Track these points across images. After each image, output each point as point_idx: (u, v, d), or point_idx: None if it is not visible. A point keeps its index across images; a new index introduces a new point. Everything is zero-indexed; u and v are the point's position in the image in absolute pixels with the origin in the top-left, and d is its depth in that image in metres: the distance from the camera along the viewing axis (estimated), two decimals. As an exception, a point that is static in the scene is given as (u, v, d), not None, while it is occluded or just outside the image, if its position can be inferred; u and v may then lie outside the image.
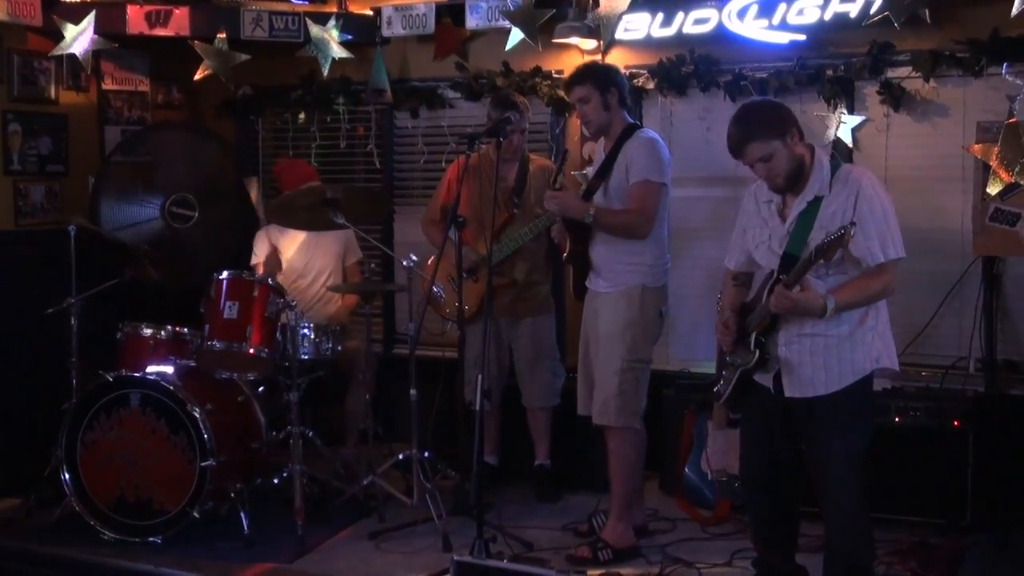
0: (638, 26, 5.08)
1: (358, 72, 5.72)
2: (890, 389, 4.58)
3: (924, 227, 4.67)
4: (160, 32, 5.33)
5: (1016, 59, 4.47)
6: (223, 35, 5.34)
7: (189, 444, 4.29)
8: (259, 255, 5.23)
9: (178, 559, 4.19)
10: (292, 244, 5.24)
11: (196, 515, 4.28)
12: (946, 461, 4.34)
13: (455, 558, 3.49)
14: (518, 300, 4.95)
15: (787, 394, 3.43)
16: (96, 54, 5.43)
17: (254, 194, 5.90)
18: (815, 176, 3.39)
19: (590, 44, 5.19)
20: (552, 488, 4.99)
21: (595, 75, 4.19)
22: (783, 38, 4.80)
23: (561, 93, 5.09)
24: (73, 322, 4.71)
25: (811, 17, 4.72)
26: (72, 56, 5.27)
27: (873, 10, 4.55)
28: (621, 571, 4.04)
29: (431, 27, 5.44)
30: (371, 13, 5.56)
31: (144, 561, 4.19)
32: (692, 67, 5.08)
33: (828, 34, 4.79)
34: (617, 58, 5.17)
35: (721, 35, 4.90)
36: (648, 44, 5.14)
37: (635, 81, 5.11)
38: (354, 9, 5.59)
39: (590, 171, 4.51)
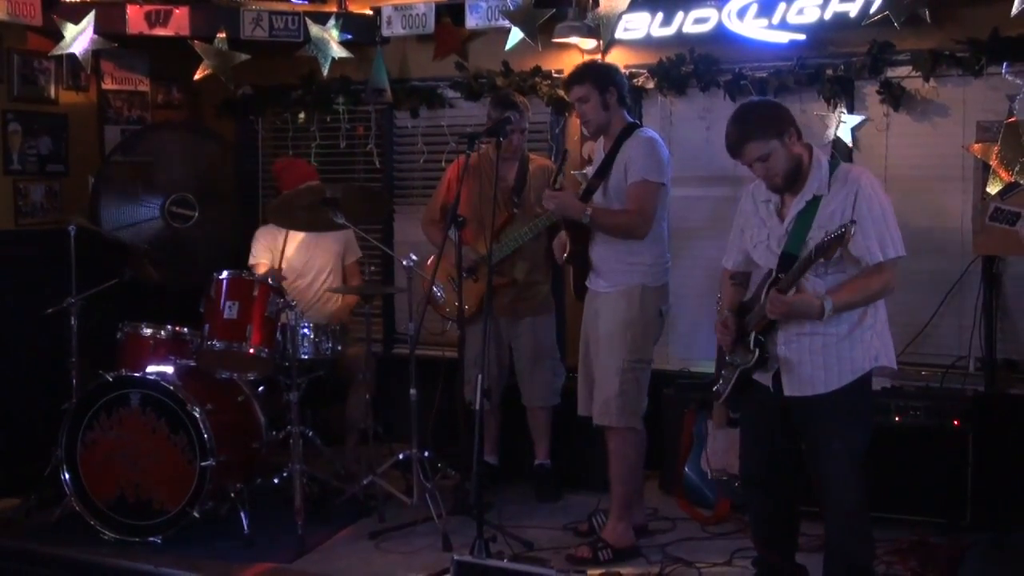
0: (638, 25, 5.08)
1: (358, 72, 5.72)
2: (890, 388, 4.59)
3: (924, 226, 4.67)
4: (160, 32, 5.33)
5: (1016, 59, 4.47)
6: (223, 35, 5.34)
7: (189, 444, 4.29)
8: (256, 256, 5.23)
9: (178, 559, 4.19)
10: (291, 244, 5.23)
11: (196, 515, 4.28)
12: (946, 460, 4.34)
13: (455, 558, 3.49)
14: (518, 300, 4.95)
15: (786, 393, 3.43)
16: (96, 54, 5.43)
17: None
18: (813, 175, 3.39)
19: (590, 44, 5.19)
20: (552, 488, 4.99)
21: (594, 74, 4.19)
22: (783, 37, 4.80)
23: (561, 93, 5.09)
24: (73, 322, 4.71)
25: (811, 16, 4.72)
26: (72, 56, 5.27)
27: (873, 9, 4.55)
28: (621, 571, 4.04)
29: (431, 27, 5.44)
30: (371, 13, 5.56)
31: (144, 561, 4.19)
32: (692, 67, 5.08)
33: (828, 33, 4.79)
34: (617, 58, 5.17)
35: (721, 34, 4.90)
36: (648, 44, 5.14)
37: (635, 81, 5.11)
38: (354, 9, 5.59)
39: (590, 171, 4.51)
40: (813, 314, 3.29)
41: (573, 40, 5.14)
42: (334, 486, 4.85)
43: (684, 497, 4.76)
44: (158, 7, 5.30)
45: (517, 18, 5.14)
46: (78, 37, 5.21)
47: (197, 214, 5.51)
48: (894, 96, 4.74)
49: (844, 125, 4.83)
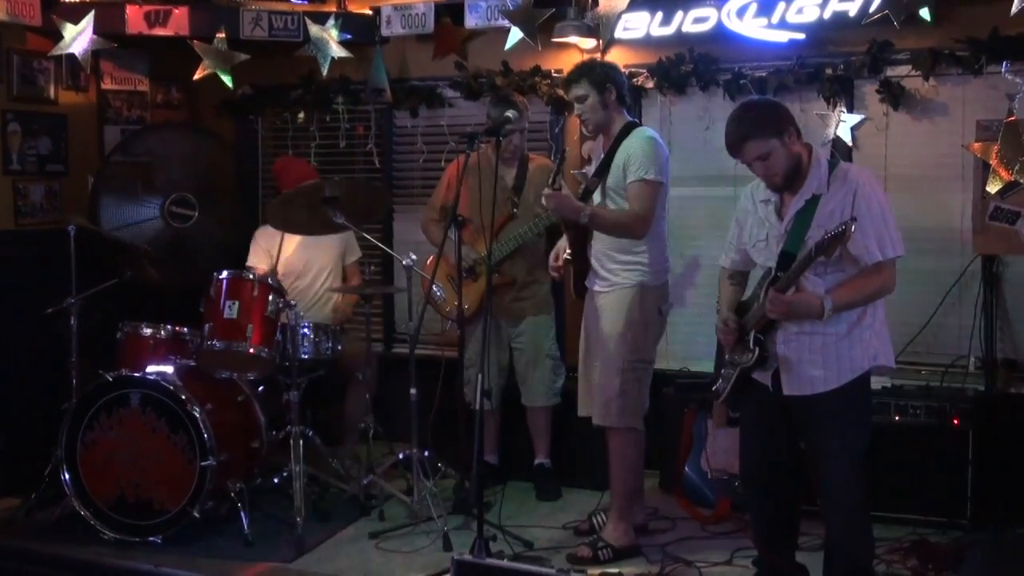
0: (637, 25, 5.08)
1: (357, 71, 5.72)
2: (890, 388, 4.59)
3: (924, 226, 4.68)
4: (159, 32, 5.33)
5: (1016, 57, 4.47)
6: (222, 35, 5.34)
7: (189, 444, 4.29)
8: (253, 260, 5.23)
9: (178, 558, 4.19)
10: (290, 244, 5.23)
11: (196, 514, 4.28)
12: (946, 459, 4.35)
13: (455, 557, 3.49)
14: (518, 299, 4.95)
15: (785, 392, 3.43)
16: (95, 54, 5.43)
17: None
18: (813, 175, 3.39)
19: (589, 43, 5.19)
20: (552, 487, 4.99)
21: (592, 73, 4.18)
22: (782, 37, 4.80)
23: (560, 92, 5.08)
24: (73, 322, 4.71)
25: (810, 16, 4.72)
26: (71, 56, 5.27)
27: (872, 9, 4.55)
28: (622, 570, 4.04)
29: (430, 26, 5.44)
30: (370, 12, 5.56)
31: (144, 560, 4.18)
32: (691, 66, 5.08)
33: (827, 33, 4.79)
34: (616, 57, 5.17)
35: (720, 34, 4.90)
36: (647, 43, 5.14)
37: (634, 80, 5.11)
38: (353, 8, 5.59)
39: (589, 170, 4.50)
40: (813, 313, 3.30)
41: (573, 40, 5.15)
42: (334, 486, 4.86)
43: (684, 496, 4.76)
44: (157, 7, 5.30)
45: (516, 18, 5.14)
46: (77, 37, 5.21)
47: (197, 214, 5.51)
48: (894, 95, 4.74)
49: (844, 124, 4.83)
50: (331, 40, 5.43)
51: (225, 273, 4.58)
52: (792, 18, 4.75)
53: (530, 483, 5.03)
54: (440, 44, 5.56)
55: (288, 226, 4.93)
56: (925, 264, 4.62)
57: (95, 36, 5.24)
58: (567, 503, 4.90)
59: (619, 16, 5.06)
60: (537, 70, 5.40)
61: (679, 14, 4.97)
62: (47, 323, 4.78)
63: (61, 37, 5.19)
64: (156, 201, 5.50)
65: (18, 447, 4.97)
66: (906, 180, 4.76)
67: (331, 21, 5.43)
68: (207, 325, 4.49)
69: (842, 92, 4.83)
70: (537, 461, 5.05)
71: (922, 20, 4.52)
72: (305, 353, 4.71)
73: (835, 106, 4.85)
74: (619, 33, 5.11)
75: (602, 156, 4.25)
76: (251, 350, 4.48)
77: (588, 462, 4.98)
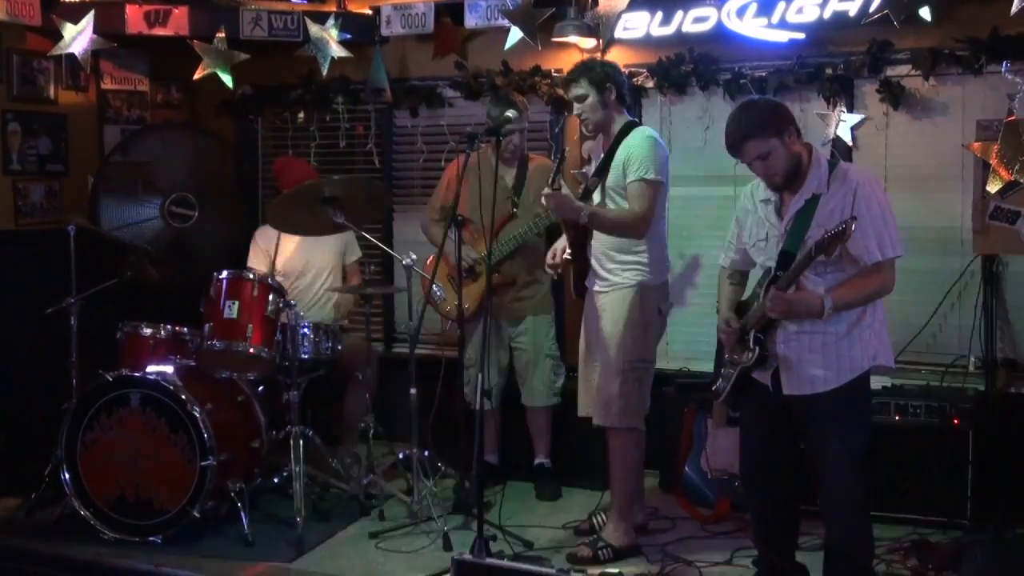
0: (637, 25, 5.08)
1: (357, 71, 5.72)
2: (890, 387, 4.59)
3: (924, 225, 4.68)
4: (159, 32, 5.33)
5: (1016, 57, 4.47)
6: (222, 35, 5.34)
7: (189, 443, 4.29)
8: (252, 261, 5.23)
9: (178, 558, 4.19)
10: (291, 243, 5.23)
11: (196, 514, 4.28)
12: (946, 459, 4.35)
13: (455, 557, 3.50)
14: (518, 299, 4.95)
15: (785, 392, 3.43)
16: (95, 54, 5.43)
17: None
18: (813, 174, 3.39)
19: (589, 43, 5.18)
20: (552, 487, 4.99)
21: (592, 73, 4.17)
22: (782, 37, 4.80)
23: (560, 92, 5.08)
24: (73, 322, 4.71)
25: (810, 15, 4.72)
26: (71, 56, 5.26)
27: (872, 8, 4.55)
28: (622, 570, 4.04)
29: (430, 26, 5.44)
30: (370, 12, 5.56)
31: (144, 560, 4.19)
32: (691, 66, 5.08)
33: (827, 32, 4.79)
34: (616, 57, 5.17)
35: (720, 34, 4.90)
36: (647, 43, 5.14)
37: (634, 80, 5.11)
38: (353, 8, 5.58)
39: (589, 170, 4.50)
40: (813, 312, 3.30)
41: (572, 39, 5.14)
42: (334, 486, 4.86)
43: (684, 496, 4.76)
44: (157, 7, 5.29)
45: (516, 17, 5.14)
46: (77, 37, 5.21)
47: (197, 214, 5.51)
48: (894, 95, 4.74)
49: (844, 124, 4.83)
50: (331, 40, 5.43)
51: (225, 273, 4.58)
52: (792, 18, 4.75)
53: (530, 483, 5.03)
54: (440, 44, 5.56)
55: (288, 226, 4.92)
56: (925, 264, 4.62)
57: (95, 36, 5.24)
58: (567, 503, 4.90)
59: (619, 16, 5.06)
60: (537, 70, 5.40)
61: (679, 14, 4.96)
62: (47, 323, 4.78)
63: (61, 37, 5.19)
64: (156, 201, 5.50)
65: (18, 447, 4.97)
66: (906, 180, 4.76)
67: (331, 21, 5.42)
68: (207, 325, 4.49)
69: (842, 92, 4.83)
70: (537, 461, 5.05)
71: (922, 20, 4.51)
72: (305, 353, 4.71)
73: (835, 106, 4.85)
74: (619, 33, 5.11)
75: (602, 156, 4.25)
76: (251, 350, 4.48)
77: (588, 462, 4.98)
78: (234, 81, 5.52)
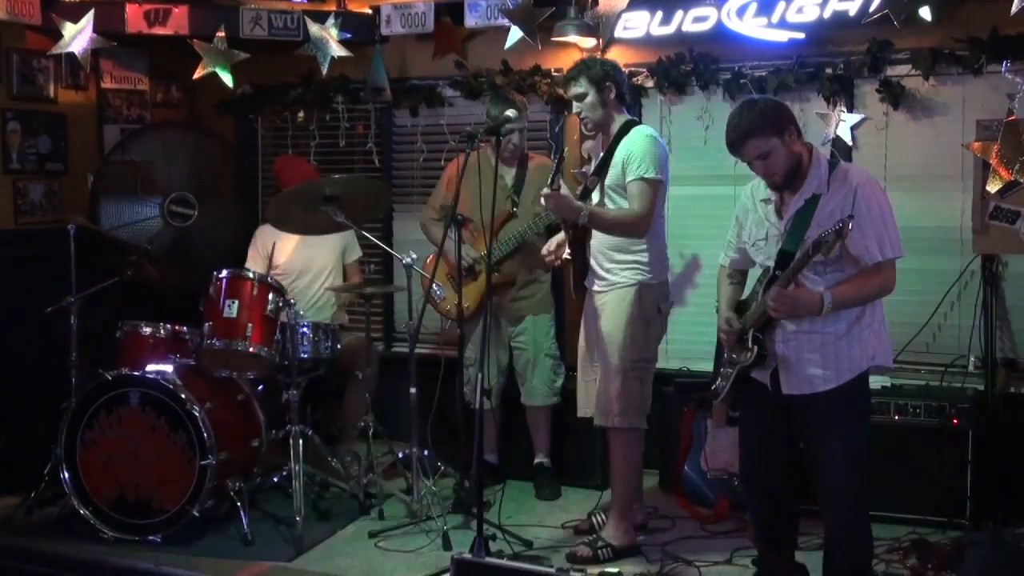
0: (637, 24, 5.08)
1: (357, 71, 5.72)
2: (890, 387, 4.59)
3: (923, 225, 4.67)
4: (159, 31, 5.33)
5: (1016, 57, 4.47)
6: (222, 34, 5.34)
7: (189, 443, 4.29)
8: (250, 263, 5.23)
9: (178, 557, 4.19)
10: (290, 243, 5.23)
11: (196, 513, 4.28)
12: (945, 459, 4.35)
13: (455, 556, 3.49)
14: (518, 298, 4.95)
15: (784, 391, 3.43)
16: (95, 53, 5.42)
17: None
18: (813, 174, 3.39)
19: (589, 42, 5.18)
20: (552, 486, 4.99)
21: (591, 71, 4.17)
22: (782, 36, 4.80)
23: (560, 91, 5.08)
24: (72, 321, 4.71)
25: (810, 15, 4.72)
26: (71, 55, 5.26)
27: (872, 8, 4.55)
28: (621, 569, 4.04)
29: (430, 25, 5.44)
30: (370, 12, 5.56)
31: (144, 559, 4.19)
32: (691, 65, 5.08)
33: (827, 32, 4.79)
34: (616, 56, 5.16)
35: (720, 33, 4.90)
36: (647, 42, 5.14)
37: (634, 79, 5.11)
38: (353, 7, 5.58)
39: (589, 169, 4.50)
40: (813, 309, 3.30)
41: (572, 39, 5.14)
42: (334, 485, 4.86)
43: (684, 496, 4.77)
44: (157, 6, 5.29)
45: (516, 17, 5.14)
46: (77, 36, 5.21)
47: (196, 213, 5.51)
48: (893, 95, 4.74)
49: (843, 124, 4.83)
50: (331, 39, 5.42)
51: (225, 272, 4.59)
52: (792, 17, 4.75)
53: (530, 482, 5.03)
54: (440, 43, 5.56)
55: (288, 225, 4.92)
56: (925, 264, 4.62)
57: (95, 35, 5.23)
58: (567, 502, 4.90)
59: (619, 15, 5.06)
60: (537, 69, 5.40)
61: (679, 13, 4.96)
62: (47, 322, 4.78)
63: (61, 36, 5.19)
64: (156, 200, 5.50)
65: (18, 446, 4.97)
66: (906, 180, 4.76)
67: (331, 20, 5.42)
68: (207, 324, 4.50)
69: (842, 92, 4.82)
70: (537, 460, 5.05)
71: (922, 20, 4.51)
72: (304, 352, 4.72)
73: (835, 106, 4.85)
74: (619, 32, 5.11)
75: (601, 155, 4.25)
76: (251, 349, 4.48)
77: (588, 461, 4.98)
78: (234, 80, 5.52)
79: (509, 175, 4.92)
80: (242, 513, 4.36)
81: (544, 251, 4.51)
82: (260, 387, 4.82)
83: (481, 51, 5.55)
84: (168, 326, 4.68)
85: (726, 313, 3.61)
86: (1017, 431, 4.41)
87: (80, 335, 4.73)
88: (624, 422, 4.17)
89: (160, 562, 4.15)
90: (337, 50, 5.44)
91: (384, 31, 5.54)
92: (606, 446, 4.32)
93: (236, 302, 4.50)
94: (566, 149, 4.82)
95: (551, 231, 4.73)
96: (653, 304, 4.21)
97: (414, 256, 4.66)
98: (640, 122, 4.44)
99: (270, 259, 5.24)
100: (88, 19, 5.21)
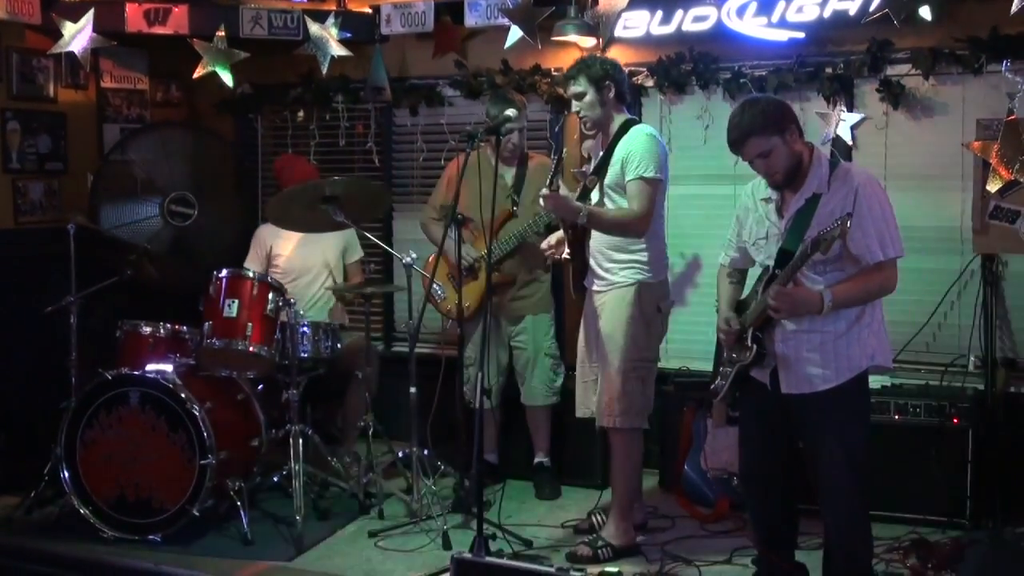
0: (637, 24, 5.08)
1: (357, 70, 5.72)
2: (890, 387, 4.60)
3: (923, 225, 4.67)
4: (159, 30, 5.33)
5: (1016, 56, 4.47)
6: (222, 33, 5.34)
7: (189, 442, 4.29)
8: (249, 263, 5.23)
9: (178, 557, 4.19)
10: (290, 242, 5.23)
11: (196, 513, 4.28)
12: (945, 459, 4.35)
13: (454, 556, 3.49)
14: (518, 298, 4.95)
15: (784, 390, 3.43)
16: (95, 52, 5.42)
17: None
18: (814, 174, 3.39)
19: (589, 42, 5.18)
20: (552, 486, 4.99)
21: (590, 70, 4.16)
22: (782, 36, 4.80)
23: (560, 91, 5.08)
24: (72, 320, 4.71)
25: (810, 15, 4.72)
26: (71, 54, 5.26)
27: (872, 7, 4.55)
28: (621, 569, 4.04)
29: (430, 25, 5.44)
30: (370, 11, 5.56)
31: (144, 559, 4.18)
32: (691, 65, 5.08)
33: (827, 32, 4.79)
34: (616, 56, 5.13)
35: (720, 33, 4.90)
36: (647, 42, 5.14)
37: (634, 79, 5.10)
38: (353, 7, 5.58)
39: (588, 168, 4.49)
40: (814, 306, 3.30)
41: (572, 38, 5.14)
42: (333, 484, 4.86)
43: (684, 495, 4.76)
44: (157, 5, 5.29)
45: (516, 16, 5.14)
46: (77, 35, 5.21)
47: (196, 212, 5.51)
48: (893, 94, 4.74)
49: (843, 123, 4.83)
50: (331, 39, 5.42)
51: (225, 271, 4.59)
52: (792, 17, 4.75)
53: (529, 482, 5.03)
54: (440, 43, 5.55)
55: (288, 223, 4.93)
56: (925, 263, 4.62)
57: (94, 34, 5.24)
58: (566, 502, 4.90)
59: (619, 15, 5.06)
60: (537, 69, 5.40)
61: (679, 13, 4.96)
62: (47, 321, 4.78)
63: (61, 35, 5.19)
64: (156, 200, 5.50)
65: (18, 445, 4.97)
66: (906, 179, 4.76)
67: (331, 19, 5.42)
68: (206, 323, 4.49)
69: (842, 91, 4.82)
70: (536, 460, 5.05)
71: (922, 19, 4.51)
72: (304, 352, 4.71)
73: (835, 105, 4.85)
74: (619, 32, 5.11)
75: (601, 154, 4.25)
76: (251, 348, 4.48)
77: (587, 461, 4.98)
78: (234, 80, 5.52)
79: (509, 174, 4.92)
80: (242, 513, 4.36)
81: (544, 245, 4.51)
82: (260, 387, 4.82)
83: (481, 50, 5.55)
84: (168, 325, 4.68)
85: (725, 312, 3.61)
86: (1017, 431, 4.41)
87: (80, 335, 4.73)
88: (625, 423, 4.16)
89: (160, 562, 4.15)
90: (337, 49, 5.44)
91: (384, 30, 5.54)
92: (606, 446, 4.32)
93: (236, 301, 4.50)
94: (565, 150, 4.83)
95: (551, 230, 4.73)
96: (653, 303, 4.20)
97: (414, 256, 4.66)
98: (640, 121, 4.43)
99: (269, 259, 5.24)
100: (88, 18, 5.21)
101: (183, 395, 4.31)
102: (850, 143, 4.84)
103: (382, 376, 5.22)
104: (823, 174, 3.39)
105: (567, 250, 4.36)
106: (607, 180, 4.16)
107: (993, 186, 4.31)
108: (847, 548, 3.46)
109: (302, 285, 5.22)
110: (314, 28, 5.41)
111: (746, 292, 3.67)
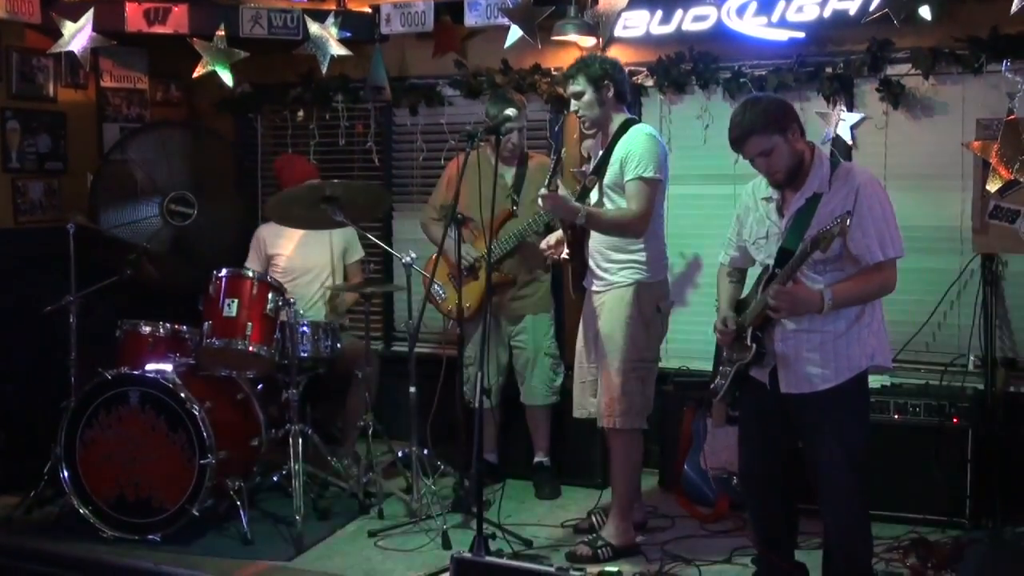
0: (637, 23, 5.07)
1: (357, 70, 5.72)
2: (889, 386, 4.60)
3: (923, 225, 4.67)
4: (159, 30, 5.32)
5: (1016, 56, 4.47)
6: (222, 33, 5.33)
7: (188, 442, 4.29)
8: (249, 263, 5.23)
9: (177, 556, 4.19)
10: (290, 242, 5.23)
11: (195, 513, 4.28)
12: (945, 458, 4.35)
13: (454, 556, 3.48)
14: (518, 298, 4.95)
15: (783, 390, 3.43)
16: (95, 51, 5.42)
17: None
18: (815, 173, 3.39)
19: (589, 41, 5.18)
20: (551, 485, 4.99)
21: (589, 70, 4.15)
22: (782, 35, 4.80)
23: (560, 90, 5.08)
24: (72, 320, 4.71)
25: (810, 14, 4.72)
26: (71, 53, 5.26)
27: (872, 7, 4.55)
28: (621, 568, 4.04)
29: (430, 24, 5.44)
30: (370, 10, 5.56)
31: (144, 559, 4.18)
32: (691, 64, 5.08)
33: (827, 31, 4.79)
34: (616, 55, 5.12)
35: (720, 32, 4.90)
36: (647, 41, 5.14)
37: (634, 79, 5.10)
38: (353, 6, 5.58)
39: (588, 168, 4.49)
40: (814, 305, 3.30)
41: (572, 38, 5.14)
42: (333, 484, 4.86)
43: (684, 495, 4.76)
44: (157, 5, 5.29)
45: (516, 16, 5.13)
46: (77, 35, 5.20)
47: (196, 212, 5.50)
48: (893, 94, 4.74)
49: (843, 123, 4.83)
50: (331, 38, 5.42)
51: (224, 271, 4.59)
52: (792, 17, 4.75)
53: (529, 481, 5.03)
54: (440, 42, 5.55)
55: (289, 221, 4.93)
56: (925, 263, 4.62)
57: (94, 33, 5.23)
58: (566, 501, 4.90)
59: (619, 14, 5.06)
60: (537, 68, 5.40)
61: (679, 12, 4.96)
62: (46, 321, 4.77)
63: (60, 34, 5.18)
64: (155, 199, 5.50)
65: (17, 445, 4.97)
66: (906, 179, 4.76)
67: (331, 19, 5.42)
68: (206, 323, 4.49)
69: (842, 91, 4.82)
70: (536, 459, 5.05)
71: (922, 19, 4.51)
72: (304, 351, 4.72)
73: (835, 105, 4.85)
74: (619, 31, 5.11)
75: (600, 153, 4.24)
76: (250, 348, 4.48)
77: (587, 460, 4.98)
78: (233, 79, 5.52)
79: (509, 174, 4.92)
80: (242, 512, 4.36)
81: (543, 245, 4.50)
82: (260, 386, 4.82)
83: (481, 50, 5.55)
84: (168, 325, 4.68)
85: (725, 312, 3.61)
86: (1017, 431, 4.41)
87: (80, 334, 4.73)
88: (625, 423, 4.16)
89: (160, 561, 4.14)
90: (337, 49, 5.44)
91: (384, 30, 5.53)
92: (606, 445, 4.32)
93: (236, 301, 4.50)
94: (564, 150, 4.83)
95: (550, 230, 4.73)
96: (652, 303, 4.20)
97: (414, 256, 4.66)
98: (639, 121, 4.43)
99: (269, 259, 5.24)
100: (88, 18, 5.20)
101: (183, 395, 4.31)
102: (850, 143, 4.84)
103: (382, 376, 5.22)
104: (824, 173, 3.39)
105: (566, 250, 4.36)
106: (606, 180, 4.16)
107: (993, 186, 4.31)
108: (847, 548, 3.46)
109: (302, 285, 5.22)
110: (314, 28, 5.41)
111: (746, 291, 3.67)
